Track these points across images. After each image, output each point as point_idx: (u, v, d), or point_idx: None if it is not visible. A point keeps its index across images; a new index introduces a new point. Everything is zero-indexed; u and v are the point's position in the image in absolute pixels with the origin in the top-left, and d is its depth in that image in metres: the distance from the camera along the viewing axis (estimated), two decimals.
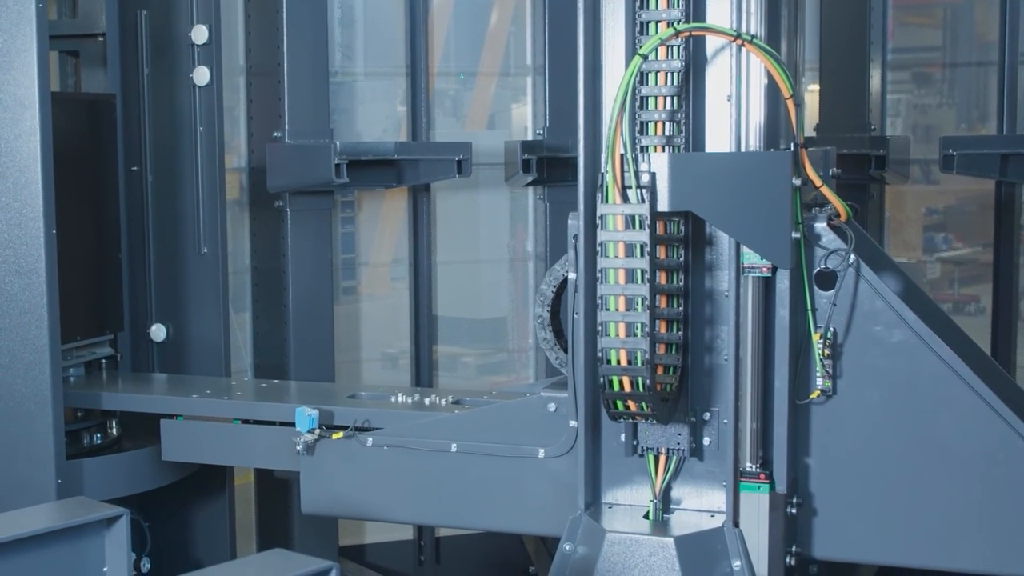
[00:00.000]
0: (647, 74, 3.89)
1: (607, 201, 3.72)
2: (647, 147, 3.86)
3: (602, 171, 3.74)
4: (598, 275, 3.75)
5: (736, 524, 3.95)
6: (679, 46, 3.86)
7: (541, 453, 4.27)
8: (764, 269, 3.84)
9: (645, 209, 3.68)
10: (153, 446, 5.06)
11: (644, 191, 3.69)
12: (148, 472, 5.03)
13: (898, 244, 6.99)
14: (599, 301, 3.75)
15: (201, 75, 5.37)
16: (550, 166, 6.18)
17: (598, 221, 3.73)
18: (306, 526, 5.80)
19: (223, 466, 5.44)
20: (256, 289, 5.88)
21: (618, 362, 3.74)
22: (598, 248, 3.74)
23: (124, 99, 5.44)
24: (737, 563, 3.90)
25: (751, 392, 3.93)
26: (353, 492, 4.52)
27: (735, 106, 3.85)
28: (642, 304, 3.70)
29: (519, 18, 6.48)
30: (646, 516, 4.06)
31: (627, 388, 3.74)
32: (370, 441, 4.46)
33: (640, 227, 3.68)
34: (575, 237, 3.99)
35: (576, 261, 3.99)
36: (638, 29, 3.91)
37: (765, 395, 3.96)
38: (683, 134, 3.88)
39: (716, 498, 4.04)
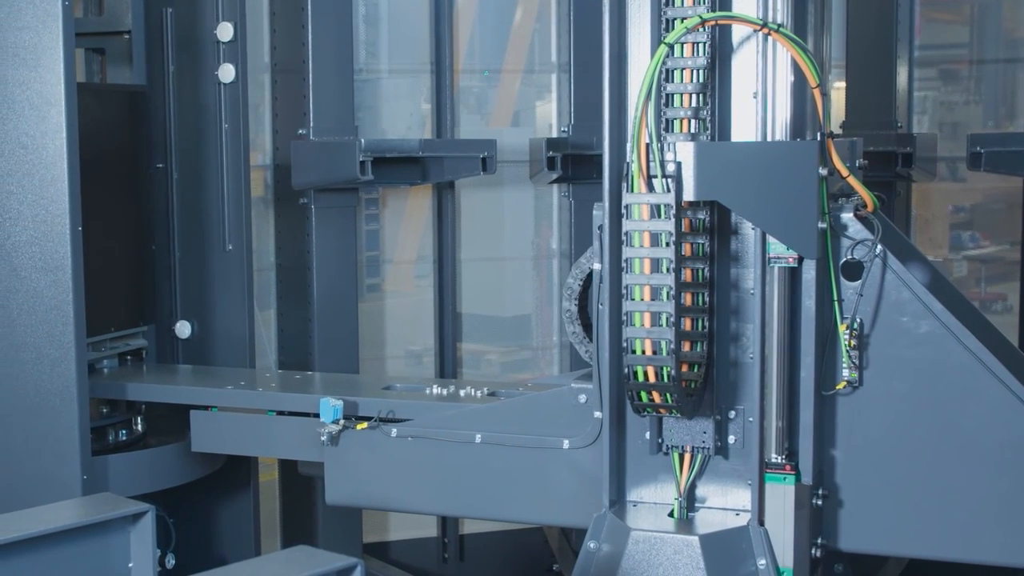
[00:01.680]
0: (672, 71, 3.87)
1: (632, 191, 3.71)
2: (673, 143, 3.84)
3: (627, 161, 3.73)
4: (623, 265, 3.73)
5: (761, 523, 3.92)
6: (704, 43, 3.85)
7: (566, 444, 4.25)
8: (790, 260, 3.81)
9: (671, 198, 3.66)
10: (178, 442, 5.08)
11: (670, 180, 3.67)
12: (173, 468, 5.04)
13: (924, 242, 6.95)
14: (624, 291, 3.74)
15: (226, 72, 5.38)
16: (575, 163, 6.18)
17: (623, 211, 3.72)
18: (330, 523, 5.80)
19: (248, 462, 5.45)
20: (281, 286, 5.89)
21: (643, 352, 3.72)
22: (623, 238, 3.73)
23: (149, 96, 5.45)
24: (762, 561, 3.88)
25: (777, 389, 3.91)
26: (377, 483, 4.52)
27: (761, 101, 3.83)
28: (667, 294, 3.68)
29: (544, 15, 6.48)
30: (671, 514, 4.04)
31: (651, 378, 3.73)
32: (394, 432, 4.45)
33: (665, 216, 3.67)
34: (600, 227, 3.98)
35: (601, 251, 3.98)
36: (664, 26, 3.90)
37: (791, 389, 3.93)
38: (708, 131, 3.87)
39: (741, 496, 4.02)
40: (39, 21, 4.52)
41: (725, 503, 4.06)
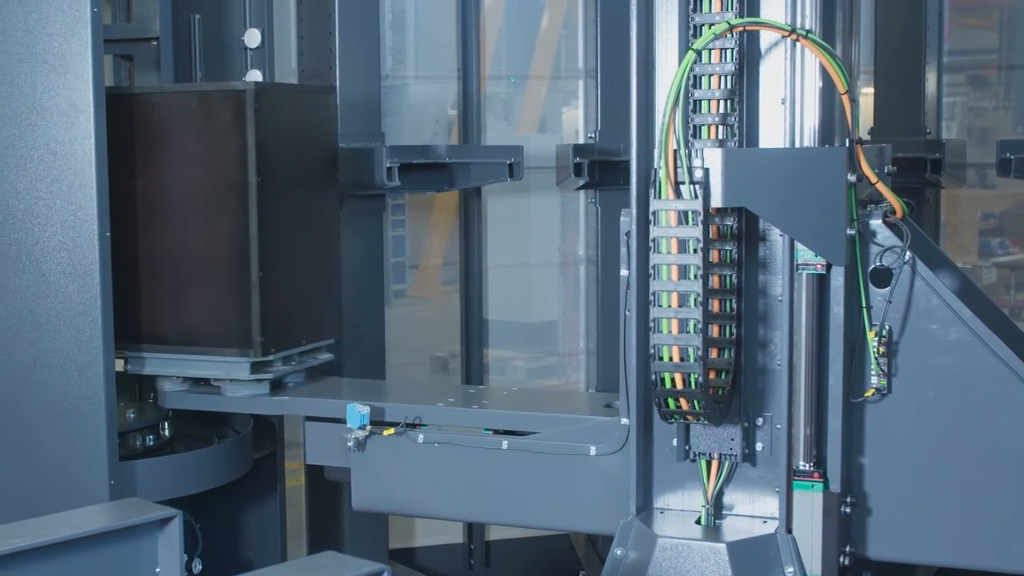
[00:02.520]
0: (700, 77, 3.87)
1: (660, 197, 3.70)
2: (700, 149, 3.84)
3: (655, 167, 3.72)
4: (651, 271, 3.73)
5: (789, 530, 3.90)
6: (732, 48, 3.84)
7: (592, 451, 4.24)
8: (818, 266, 3.80)
9: (698, 205, 3.65)
10: (206, 448, 5.09)
11: (697, 187, 3.66)
12: (200, 473, 5.04)
13: (953, 249, 6.91)
14: (652, 297, 3.73)
15: (253, 78, 5.39)
16: (601, 170, 6.17)
17: (651, 217, 3.71)
18: (356, 529, 5.80)
19: (274, 467, 5.46)
20: None
21: (670, 358, 3.71)
22: (651, 244, 3.72)
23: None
24: (790, 569, 3.86)
25: (805, 396, 3.89)
26: (403, 489, 4.52)
27: (789, 107, 3.82)
28: (695, 300, 3.67)
29: (570, 21, 6.48)
30: (698, 521, 4.03)
31: (679, 385, 3.72)
32: (421, 438, 4.45)
33: (693, 223, 3.66)
34: (627, 234, 3.97)
35: (629, 258, 3.97)
36: (691, 32, 3.89)
37: (819, 396, 3.92)
38: (736, 137, 3.86)
39: (769, 504, 4.00)
40: (68, 28, 4.54)
41: (752, 511, 4.05)
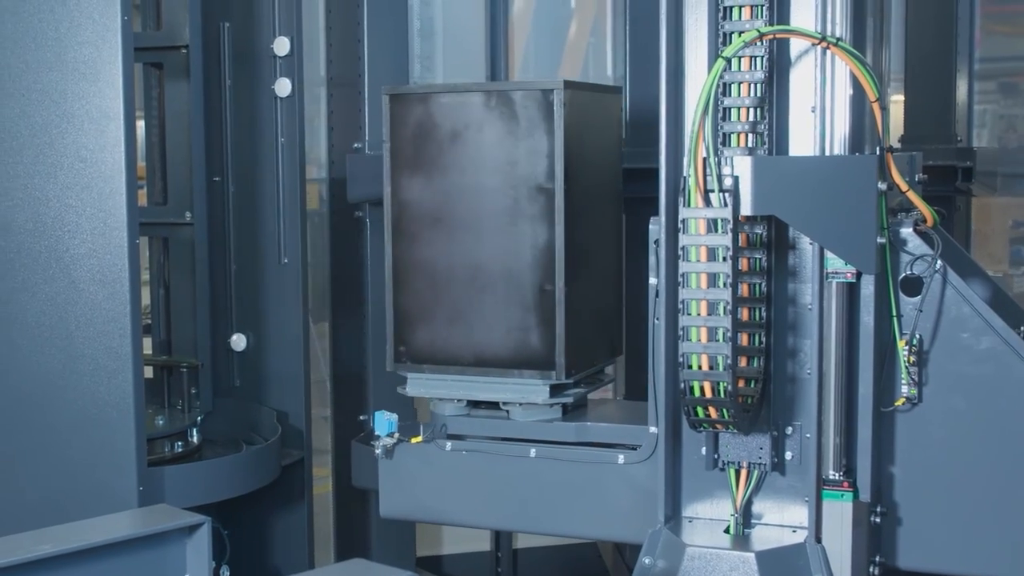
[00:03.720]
0: (729, 85, 3.86)
1: (689, 205, 3.69)
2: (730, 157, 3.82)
3: (684, 175, 3.71)
4: (680, 279, 3.72)
5: (818, 540, 3.88)
6: (762, 56, 3.83)
7: (620, 459, 4.23)
8: (848, 275, 3.78)
9: (728, 213, 3.64)
10: (234, 454, 5.10)
11: (727, 195, 3.65)
12: (228, 480, 5.05)
13: (984, 257, 6.88)
14: (680, 305, 3.72)
15: (283, 86, 5.41)
16: (629, 178, 6.15)
17: (680, 225, 3.70)
18: (384, 536, 5.80)
19: (302, 474, 5.47)
20: (336, 299, 5.90)
21: (699, 367, 3.70)
22: (680, 252, 3.71)
23: (206, 110, 5.48)
24: None
25: (834, 405, 3.87)
26: (432, 497, 4.49)
27: (819, 115, 3.80)
28: (724, 309, 3.66)
29: (599, 29, 6.47)
30: (727, 531, 4.00)
31: (708, 393, 3.70)
32: (448, 446, 4.43)
33: (722, 231, 3.65)
34: (656, 242, 3.96)
35: (658, 266, 3.96)
36: (721, 39, 3.88)
37: (849, 405, 3.89)
38: (766, 145, 3.85)
39: (798, 513, 3.97)
40: (99, 36, 4.56)
41: (782, 520, 4.02)
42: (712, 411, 3.74)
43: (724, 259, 3.65)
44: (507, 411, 4.41)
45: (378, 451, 4.46)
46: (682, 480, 4.10)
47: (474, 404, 4.47)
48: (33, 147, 4.61)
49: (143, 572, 3.65)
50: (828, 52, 3.77)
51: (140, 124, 5.50)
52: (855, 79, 3.76)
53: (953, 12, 6.42)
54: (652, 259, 4.01)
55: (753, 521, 4.03)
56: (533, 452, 4.34)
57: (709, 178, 3.67)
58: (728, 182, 3.67)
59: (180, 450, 5.15)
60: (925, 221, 3.93)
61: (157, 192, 5.69)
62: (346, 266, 5.86)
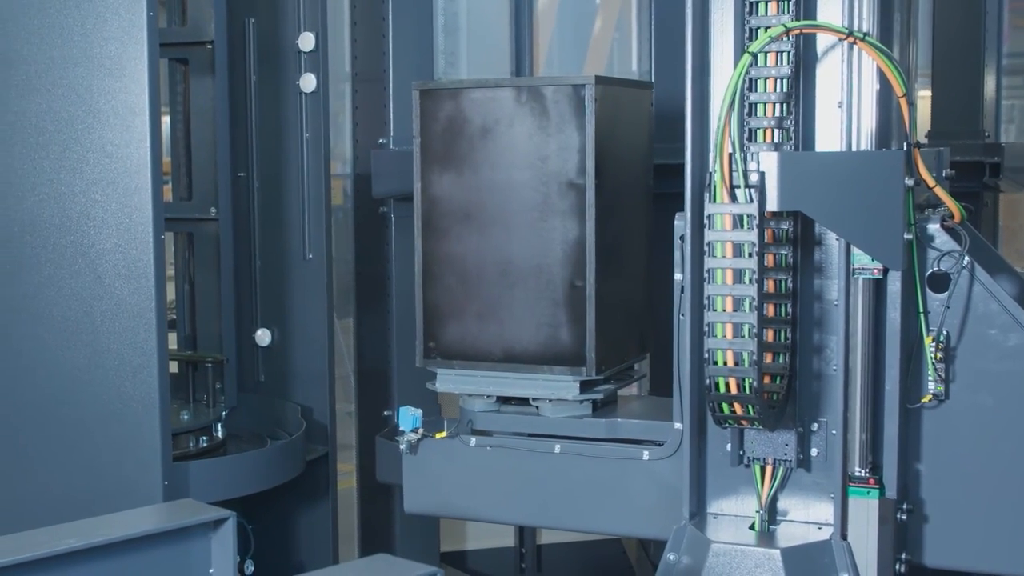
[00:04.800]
0: (755, 81, 3.84)
1: (715, 201, 3.68)
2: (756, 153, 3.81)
3: (710, 171, 3.70)
4: (705, 275, 3.71)
5: (844, 537, 3.87)
6: (788, 52, 3.81)
7: (645, 455, 4.22)
8: (875, 271, 3.76)
9: (754, 209, 3.63)
10: (259, 449, 5.11)
11: (752, 191, 3.64)
12: (253, 474, 5.06)
13: (1011, 253, 6.84)
14: (706, 302, 3.71)
15: (308, 82, 5.41)
16: (655, 174, 6.13)
17: (706, 221, 3.69)
18: (408, 531, 5.81)
19: (327, 470, 5.47)
20: (360, 295, 5.91)
21: (725, 363, 3.69)
22: (705, 248, 3.70)
23: (232, 106, 5.49)
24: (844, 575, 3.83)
25: (860, 402, 3.86)
26: (456, 492, 4.49)
27: (846, 110, 3.79)
28: (749, 305, 3.65)
29: (624, 24, 6.46)
30: (752, 527, 4.00)
31: (733, 390, 3.69)
32: (473, 441, 4.43)
33: (748, 227, 3.64)
34: (681, 238, 3.96)
35: (683, 262, 3.96)
36: (747, 35, 3.87)
37: (875, 402, 3.88)
38: (792, 141, 3.83)
39: (823, 510, 3.96)
40: (124, 32, 4.57)
41: (807, 516, 4.01)
42: (737, 407, 3.73)
43: (750, 255, 3.64)
44: (536, 407, 4.40)
45: (402, 447, 4.46)
46: (707, 476, 4.09)
47: (504, 400, 4.46)
48: (59, 143, 4.62)
49: (168, 566, 3.66)
50: (855, 47, 3.75)
51: (165, 120, 5.52)
52: (882, 74, 3.74)
53: (981, 7, 6.38)
54: (677, 255, 4.01)
55: (779, 518, 4.03)
56: (557, 448, 4.34)
57: (735, 174, 3.66)
58: (754, 178, 3.66)
59: (205, 445, 5.16)
60: (952, 217, 3.91)
61: (182, 188, 5.70)
62: (370, 262, 5.87)
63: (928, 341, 3.83)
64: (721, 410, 3.76)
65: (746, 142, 3.83)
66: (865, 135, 3.80)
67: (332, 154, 5.67)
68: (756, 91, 3.84)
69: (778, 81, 3.82)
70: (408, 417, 4.44)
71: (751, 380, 3.66)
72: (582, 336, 4.28)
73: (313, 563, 5.49)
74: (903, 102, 3.74)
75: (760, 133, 3.84)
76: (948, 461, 3.90)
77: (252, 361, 5.63)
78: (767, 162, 3.66)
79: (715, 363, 3.70)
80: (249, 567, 5.27)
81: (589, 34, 6.55)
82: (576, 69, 6.52)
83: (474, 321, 4.40)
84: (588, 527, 4.53)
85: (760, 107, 3.85)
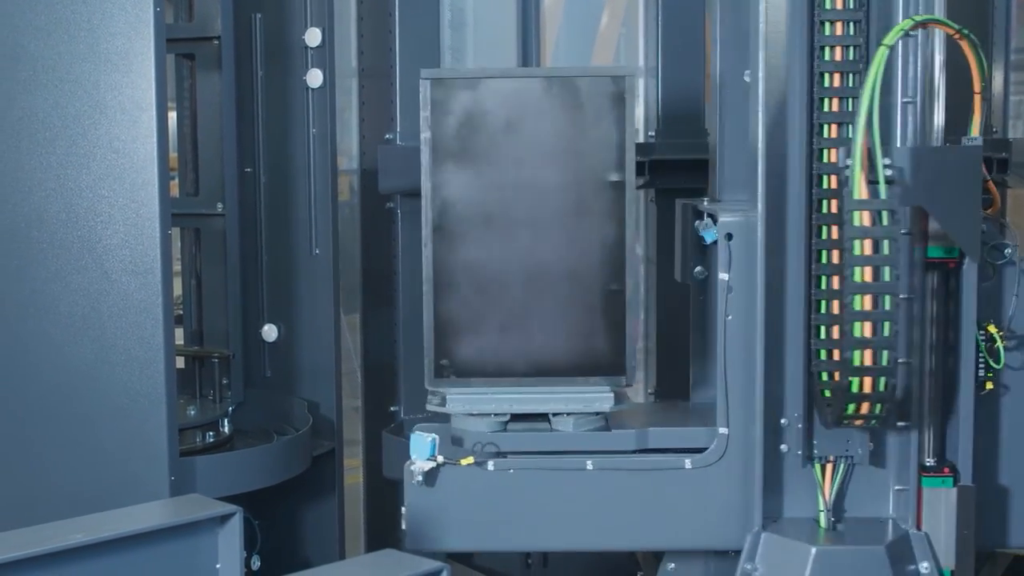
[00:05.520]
0: (824, 75, 3.86)
1: (854, 196, 3.66)
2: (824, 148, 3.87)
3: (842, 165, 3.69)
4: (846, 272, 3.68)
5: (919, 527, 3.90)
6: (861, 45, 3.85)
7: (688, 464, 4.06)
8: (951, 263, 3.84)
9: (895, 203, 3.65)
10: (265, 445, 5.11)
11: (888, 186, 3.65)
12: (260, 470, 5.07)
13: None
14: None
15: (314, 77, 5.41)
16: (661, 169, 6.13)
17: (846, 217, 3.67)
18: None
19: (333, 465, 5.47)
20: (366, 290, 5.91)
21: (861, 362, 3.66)
22: (845, 245, 3.68)
23: (238, 102, 5.49)
24: (925, 564, 3.85)
25: (931, 391, 3.89)
26: (475, 523, 4.12)
27: (919, 106, 3.88)
28: (891, 302, 3.64)
29: (630, 19, 6.44)
30: (819, 525, 3.98)
31: (867, 389, 3.67)
32: (491, 465, 4.06)
33: (890, 221, 3.65)
34: (728, 236, 3.92)
35: (729, 262, 3.94)
36: (815, 28, 3.89)
37: (945, 391, 3.91)
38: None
39: (892, 502, 3.99)
40: (131, 28, 4.57)
41: (874, 511, 4.01)
42: (864, 407, 3.69)
43: (891, 251, 3.64)
44: (551, 424, 4.12)
45: (417, 478, 4.01)
46: (767, 478, 4.02)
47: (513, 418, 4.13)
48: (66, 138, 4.62)
49: (175, 561, 3.65)
50: (928, 41, 3.85)
51: (172, 115, 5.51)
52: (948, 67, 3.86)
53: (988, 2, 6.36)
54: (722, 255, 3.94)
55: (845, 515, 4.01)
56: (590, 464, 4.05)
57: (874, 169, 3.66)
58: (889, 172, 3.66)
59: (211, 440, 5.17)
60: (992, 206, 4.03)
61: (189, 183, 5.70)
62: (377, 257, 5.87)
63: (992, 329, 3.90)
64: (846, 411, 3.72)
65: (817, 136, 3.84)
66: (934, 130, 3.91)
67: (339, 149, 5.66)
68: (825, 86, 3.87)
69: (850, 75, 3.87)
70: (424, 443, 3.99)
71: (890, 379, 3.65)
72: (620, 343, 4.04)
73: (320, 558, 5.50)
74: (978, 98, 3.82)
75: (826, 128, 3.88)
76: (1017, 445, 4.00)
77: (259, 357, 5.63)
78: (900, 156, 3.67)
79: (852, 363, 3.66)
80: (256, 562, 5.27)
81: (596, 29, 6.54)
82: (583, 63, 6.51)
83: (495, 334, 4.07)
84: (631, 545, 4.33)
85: (826, 102, 3.88)
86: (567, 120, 4.02)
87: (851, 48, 3.84)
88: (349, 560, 5.27)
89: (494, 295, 4.05)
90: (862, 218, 3.65)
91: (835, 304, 3.78)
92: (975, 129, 3.84)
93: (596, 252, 4.03)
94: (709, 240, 4.11)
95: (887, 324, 3.63)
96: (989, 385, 3.90)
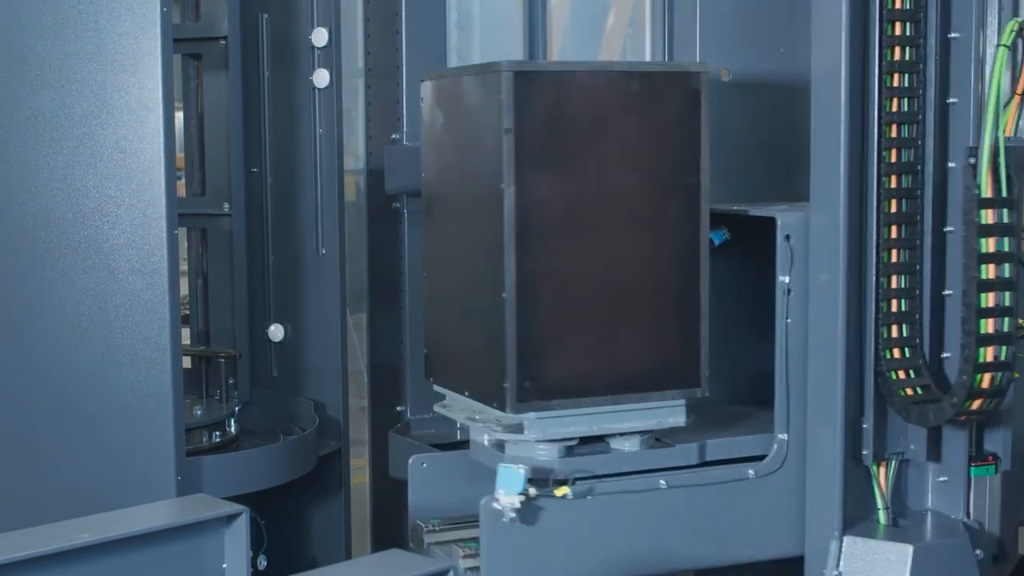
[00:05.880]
0: (889, 75, 3.85)
1: (982, 194, 3.67)
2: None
3: (968, 162, 3.71)
4: (970, 272, 3.68)
5: (969, 515, 3.94)
6: (920, 46, 3.85)
7: (751, 473, 3.99)
8: None
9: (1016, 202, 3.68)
10: (272, 445, 5.11)
11: (1012, 182, 3.67)
12: (266, 470, 5.07)
13: None
14: (968, 302, 3.69)
15: (321, 78, 5.41)
16: None
17: (972, 217, 3.67)
18: None
19: (339, 465, 5.47)
20: (373, 290, 5.91)
21: (984, 359, 3.65)
22: (971, 244, 3.68)
23: (245, 102, 5.50)
24: (979, 552, 3.87)
25: None
26: (563, 556, 3.80)
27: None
28: (1011, 298, 3.66)
29: (637, 20, 6.43)
30: (880, 524, 3.96)
31: (986, 384, 3.66)
32: (570, 493, 3.72)
33: (1012, 219, 3.67)
34: (787, 237, 3.88)
35: (791, 262, 3.89)
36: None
37: None
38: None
39: (938, 493, 4.00)
40: (138, 27, 4.57)
41: (918, 503, 4.03)
42: (977, 403, 3.68)
43: (1011, 247, 3.67)
44: (608, 443, 3.87)
45: (510, 515, 3.61)
46: (825, 480, 3.95)
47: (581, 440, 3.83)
48: (72, 138, 4.63)
49: (181, 561, 3.66)
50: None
51: (179, 116, 5.52)
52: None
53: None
54: (782, 256, 3.89)
55: (905, 509, 4.02)
56: (663, 482, 3.87)
57: (998, 167, 3.66)
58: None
59: (218, 440, 5.18)
60: None
61: (195, 183, 5.71)
62: (383, 257, 5.86)
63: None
64: (962, 408, 3.70)
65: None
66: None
67: (345, 150, 5.67)
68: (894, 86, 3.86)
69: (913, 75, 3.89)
70: (513, 478, 3.56)
71: (1007, 375, 3.67)
72: (695, 353, 3.83)
73: (326, 558, 5.50)
74: (1017, 99, 3.77)
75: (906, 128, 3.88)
76: None
77: (265, 357, 5.64)
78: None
79: (976, 360, 3.64)
80: (262, 562, 5.28)
81: (602, 30, 6.53)
82: None
83: (579, 350, 3.75)
84: (708, 562, 4.09)
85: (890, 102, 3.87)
86: (641, 119, 3.77)
87: (909, 48, 3.83)
88: (355, 560, 5.28)
89: (579, 308, 3.74)
90: (987, 216, 3.66)
91: (893, 303, 3.81)
92: (1008, 129, 3.82)
93: (671, 259, 3.82)
94: (718, 242, 4.09)
95: (1007, 320, 3.65)
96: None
